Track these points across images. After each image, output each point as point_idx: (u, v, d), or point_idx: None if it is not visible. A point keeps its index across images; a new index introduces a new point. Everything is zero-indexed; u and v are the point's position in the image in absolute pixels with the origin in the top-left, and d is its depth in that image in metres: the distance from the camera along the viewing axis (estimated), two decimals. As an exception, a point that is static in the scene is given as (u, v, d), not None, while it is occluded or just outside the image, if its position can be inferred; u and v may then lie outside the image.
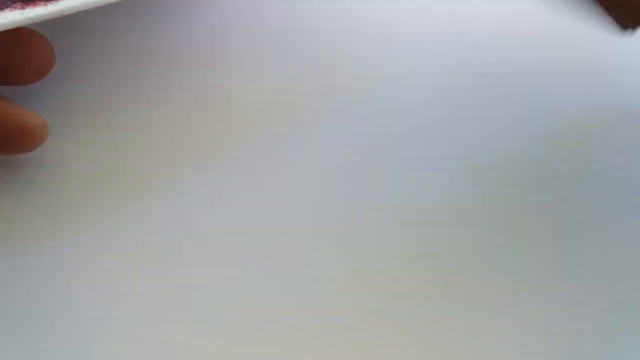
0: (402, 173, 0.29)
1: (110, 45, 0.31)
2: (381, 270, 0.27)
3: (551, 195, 0.28)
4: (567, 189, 0.28)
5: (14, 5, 0.27)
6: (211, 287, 0.27)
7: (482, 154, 0.29)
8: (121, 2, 0.27)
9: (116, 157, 0.30)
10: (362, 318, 0.26)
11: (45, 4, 0.26)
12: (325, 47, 0.32)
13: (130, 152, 0.30)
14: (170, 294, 0.27)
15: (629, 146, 0.30)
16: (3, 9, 0.26)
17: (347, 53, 0.32)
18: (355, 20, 0.33)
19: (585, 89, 0.31)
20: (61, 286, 0.28)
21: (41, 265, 0.29)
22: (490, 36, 0.32)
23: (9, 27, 0.26)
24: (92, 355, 0.27)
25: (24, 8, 0.26)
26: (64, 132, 0.30)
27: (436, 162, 0.29)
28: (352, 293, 0.26)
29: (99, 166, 0.30)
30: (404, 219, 0.28)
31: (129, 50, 0.31)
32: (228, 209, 0.28)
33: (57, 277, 0.29)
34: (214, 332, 0.26)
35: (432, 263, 0.27)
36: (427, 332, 0.25)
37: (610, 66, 0.32)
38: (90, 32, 0.32)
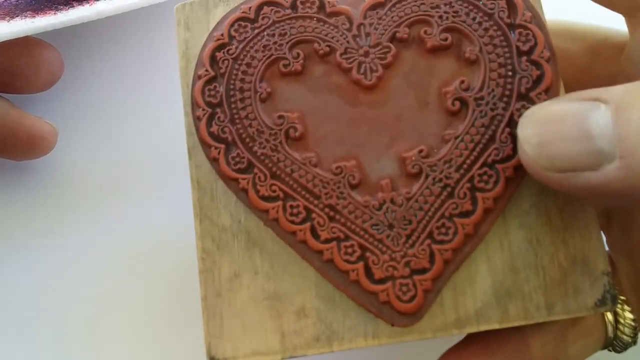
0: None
1: (115, 53, 0.33)
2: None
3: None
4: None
5: (24, 14, 0.27)
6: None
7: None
8: (129, 13, 0.28)
9: (123, 160, 0.31)
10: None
11: (55, 14, 0.27)
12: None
13: (135, 156, 0.31)
14: (176, 288, 0.28)
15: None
16: (14, 17, 0.27)
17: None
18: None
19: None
20: (62, 282, 0.28)
21: (47, 259, 0.29)
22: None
23: (20, 35, 0.26)
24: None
25: (34, 17, 0.27)
26: (73, 137, 0.31)
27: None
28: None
29: (105, 170, 0.31)
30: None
31: (134, 57, 0.32)
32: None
33: (58, 273, 0.29)
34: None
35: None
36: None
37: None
38: (97, 40, 0.33)
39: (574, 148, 0.17)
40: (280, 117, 0.20)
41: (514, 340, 0.20)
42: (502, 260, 0.19)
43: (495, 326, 0.19)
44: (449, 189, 0.19)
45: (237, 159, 0.20)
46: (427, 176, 0.19)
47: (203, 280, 0.20)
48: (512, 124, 0.19)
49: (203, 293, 0.20)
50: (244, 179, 0.19)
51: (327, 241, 0.19)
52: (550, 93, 0.19)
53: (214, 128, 0.20)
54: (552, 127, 0.17)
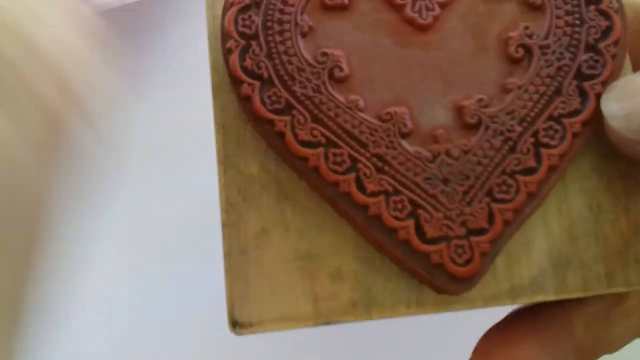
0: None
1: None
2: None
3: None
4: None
5: None
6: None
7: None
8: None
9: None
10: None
11: None
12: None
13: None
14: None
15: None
16: None
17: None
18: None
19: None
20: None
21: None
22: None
23: None
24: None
25: None
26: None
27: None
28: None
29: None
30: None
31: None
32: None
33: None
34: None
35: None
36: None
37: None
38: None
39: None
40: (323, 54, 0.18)
41: (560, 319, 0.19)
42: (560, 226, 0.18)
43: (552, 297, 0.17)
44: (510, 143, 0.17)
45: (274, 98, 0.17)
46: (487, 128, 0.17)
47: (227, 234, 0.17)
48: (580, 76, 0.17)
49: (226, 249, 0.17)
50: (281, 121, 0.17)
51: (374, 194, 0.17)
52: (619, 46, 0.18)
53: (248, 62, 0.17)
54: (639, 97, 0.16)
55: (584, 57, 0.17)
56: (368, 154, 0.17)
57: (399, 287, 0.17)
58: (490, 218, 0.17)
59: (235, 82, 0.17)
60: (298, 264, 0.17)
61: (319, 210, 0.18)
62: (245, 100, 0.17)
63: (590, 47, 0.18)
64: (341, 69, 0.17)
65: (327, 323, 0.17)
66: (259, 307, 0.17)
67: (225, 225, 0.18)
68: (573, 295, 0.17)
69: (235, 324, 0.17)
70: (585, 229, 0.17)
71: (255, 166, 0.18)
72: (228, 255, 0.17)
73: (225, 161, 0.18)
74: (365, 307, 0.17)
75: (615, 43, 0.18)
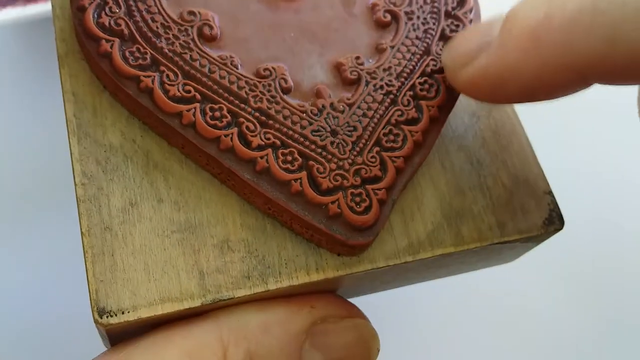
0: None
1: None
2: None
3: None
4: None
5: (16, 3, 0.25)
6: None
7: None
8: None
9: None
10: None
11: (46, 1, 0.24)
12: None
13: None
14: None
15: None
16: (6, 6, 0.24)
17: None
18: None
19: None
20: None
21: None
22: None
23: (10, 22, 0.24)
24: None
25: (25, 5, 0.24)
26: None
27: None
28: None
29: None
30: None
31: None
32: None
33: None
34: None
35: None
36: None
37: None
38: None
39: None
40: (190, 12, 0.16)
41: None
42: (446, 181, 0.17)
43: (451, 250, 0.16)
44: (391, 96, 0.17)
45: (137, 54, 0.15)
46: (367, 83, 0.17)
47: (84, 211, 0.15)
48: (444, 38, 0.18)
49: (85, 227, 0.14)
50: (147, 76, 0.15)
51: (260, 148, 0.15)
52: (474, 13, 0.19)
53: (104, 19, 0.16)
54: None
55: (446, 22, 0.18)
56: (250, 109, 0.15)
57: (295, 253, 0.15)
58: (383, 166, 0.16)
59: (90, 39, 0.15)
60: (177, 237, 0.15)
61: (197, 179, 0.16)
62: (102, 59, 0.15)
63: (450, 15, 0.18)
64: (211, 27, 0.16)
65: (218, 300, 0.14)
66: (132, 289, 0.14)
67: (82, 201, 0.15)
68: (471, 246, 0.17)
69: (102, 313, 0.14)
70: (470, 183, 0.17)
71: (116, 135, 0.15)
72: (87, 233, 0.14)
73: (79, 132, 0.15)
74: (260, 277, 0.15)
75: (470, 11, 0.19)
